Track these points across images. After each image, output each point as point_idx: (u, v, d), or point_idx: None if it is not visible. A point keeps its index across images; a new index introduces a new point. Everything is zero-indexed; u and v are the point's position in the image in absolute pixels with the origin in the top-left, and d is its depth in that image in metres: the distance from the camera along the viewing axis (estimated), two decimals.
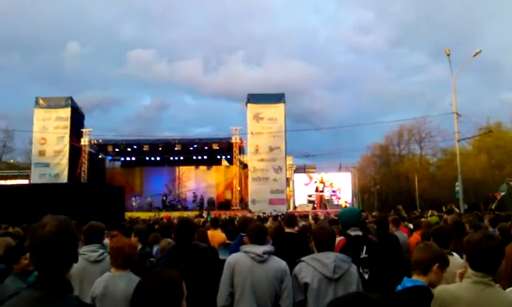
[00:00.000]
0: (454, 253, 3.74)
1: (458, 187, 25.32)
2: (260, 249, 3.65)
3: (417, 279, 2.73)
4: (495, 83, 79.04)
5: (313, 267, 3.53)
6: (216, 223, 7.74)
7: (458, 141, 26.58)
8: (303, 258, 3.66)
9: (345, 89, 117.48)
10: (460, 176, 25.26)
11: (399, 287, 2.71)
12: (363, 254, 4.12)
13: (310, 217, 14.28)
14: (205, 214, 16.96)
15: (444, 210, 18.82)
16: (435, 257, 2.78)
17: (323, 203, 32.77)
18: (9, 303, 1.71)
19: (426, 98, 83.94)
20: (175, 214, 21.81)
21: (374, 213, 18.13)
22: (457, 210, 15.85)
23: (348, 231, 4.38)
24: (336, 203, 32.94)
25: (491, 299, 2.44)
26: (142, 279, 1.91)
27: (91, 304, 3.16)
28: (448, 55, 24.78)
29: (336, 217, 7.94)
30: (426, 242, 3.19)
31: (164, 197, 31.89)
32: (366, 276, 3.84)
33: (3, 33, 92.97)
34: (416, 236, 6.40)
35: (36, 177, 30.59)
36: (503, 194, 26.13)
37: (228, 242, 6.36)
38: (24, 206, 11.33)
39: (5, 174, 36.98)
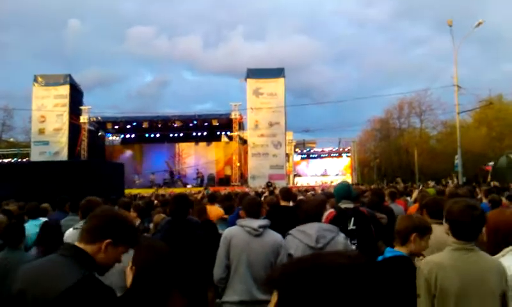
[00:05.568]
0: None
1: (457, 159, 25.38)
2: (255, 223, 3.69)
3: (397, 250, 2.76)
4: (497, 55, 78.61)
5: (299, 239, 3.59)
6: (213, 198, 7.85)
7: (458, 113, 26.55)
8: (290, 231, 3.71)
9: (346, 64, 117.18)
10: (460, 149, 25.28)
11: (380, 258, 2.76)
12: (351, 226, 4.17)
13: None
14: (202, 190, 16.98)
15: (444, 183, 18.90)
16: (412, 226, 2.81)
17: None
18: (40, 260, 2.06)
19: (428, 71, 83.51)
20: (176, 190, 21.87)
21: (372, 186, 18.23)
22: (450, 183, 15.94)
23: (339, 204, 4.44)
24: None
25: (474, 262, 2.49)
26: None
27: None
28: (451, 26, 24.48)
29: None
30: (408, 214, 3.21)
31: (170, 174, 31.85)
32: (353, 247, 3.89)
33: (2, 10, 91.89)
34: (414, 208, 6.44)
35: (35, 155, 30.52)
36: (497, 166, 26.15)
37: (225, 216, 6.46)
38: (24, 183, 11.36)
39: (5, 152, 37.05)
